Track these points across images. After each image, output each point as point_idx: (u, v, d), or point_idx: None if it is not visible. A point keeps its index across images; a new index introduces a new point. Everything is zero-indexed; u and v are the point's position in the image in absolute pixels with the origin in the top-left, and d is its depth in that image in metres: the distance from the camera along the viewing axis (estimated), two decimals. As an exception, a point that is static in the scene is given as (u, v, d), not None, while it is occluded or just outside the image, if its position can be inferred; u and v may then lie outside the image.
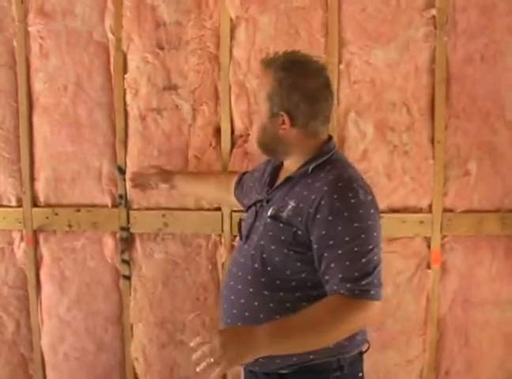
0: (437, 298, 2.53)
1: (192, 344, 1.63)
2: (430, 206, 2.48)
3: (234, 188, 2.26)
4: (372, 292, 1.65)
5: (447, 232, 2.49)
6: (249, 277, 1.82)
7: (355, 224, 1.68)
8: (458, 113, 2.45)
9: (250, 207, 1.98)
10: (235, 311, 1.84)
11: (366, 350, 1.89)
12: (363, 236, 1.68)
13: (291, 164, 1.88)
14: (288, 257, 1.76)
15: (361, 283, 1.64)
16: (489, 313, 2.56)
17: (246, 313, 1.80)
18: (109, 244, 2.57)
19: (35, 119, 2.54)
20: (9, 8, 2.50)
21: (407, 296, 2.52)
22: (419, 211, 2.47)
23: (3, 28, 2.52)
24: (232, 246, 2.51)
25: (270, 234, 1.80)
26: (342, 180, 1.75)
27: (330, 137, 1.90)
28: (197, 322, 2.57)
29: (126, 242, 2.55)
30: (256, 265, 1.81)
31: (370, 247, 1.68)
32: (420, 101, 2.44)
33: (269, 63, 1.82)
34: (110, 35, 2.48)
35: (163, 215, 2.52)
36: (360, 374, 1.87)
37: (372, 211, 1.74)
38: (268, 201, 1.88)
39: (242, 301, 1.82)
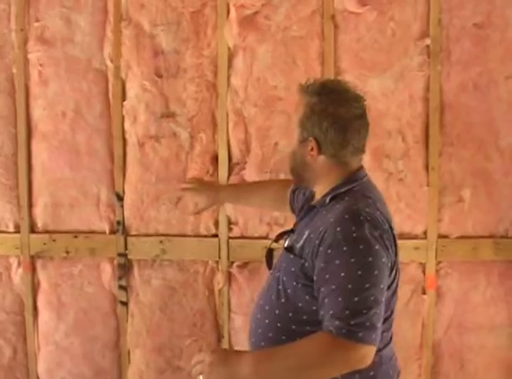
0: (432, 323, 2.50)
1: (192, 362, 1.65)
2: (425, 232, 2.47)
3: (289, 200, 2.15)
4: (360, 334, 1.51)
5: (442, 258, 2.48)
6: (266, 307, 1.76)
7: (352, 259, 1.56)
8: (452, 140, 2.44)
9: (280, 234, 1.92)
10: (253, 340, 1.80)
11: None
12: (359, 273, 1.55)
13: (318, 193, 1.80)
14: (297, 290, 1.69)
15: (350, 322, 1.52)
16: (484, 337, 2.53)
17: (262, 343, 1.75)
18: (106, 270, 2.54)
19: (34, 145, 2.52)
20: (8, 35, 2.49)
21: (403, 321, 2.48)
22: (415, 237, 2.46)
23: (3, 54, 2.50)
24: (229, 273, 2.49)
25: (284, 265, 1.74)
26: (350, 212, 1.63)
27: (361, 167, 1.78)
28: (195, 348, 2.53)
29: (124, 268, 2.51)
30: (273, 297, 1.75)
31: (367, 286, 1.55)
32: (415, 129, 2.43)
33: (305, 88, 1.74)
34: (109, 63, 2.47)
35: (161, 242, 2.49)
36: None
37: (377, 247, 1.59)
38: (293, 231, 1.83)
39: (260, 331, 1.77)
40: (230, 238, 2.49)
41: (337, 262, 1.57)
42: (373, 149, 2.41)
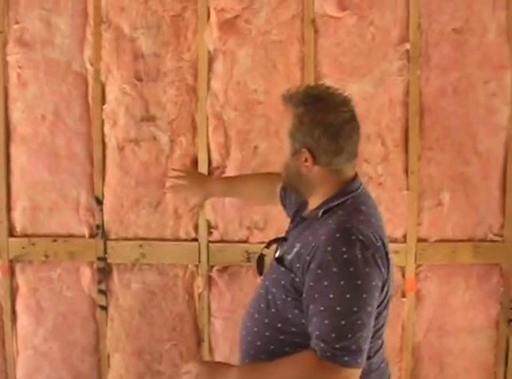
0: (412, 326, 2.51)
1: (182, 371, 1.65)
2: (404, 236, 2.47)
3: (280, 195, 2.10)
4: (346, 359, 1.50)
5: (421, 261, 2.48)
6: (256, 315, 1.74)
7: (342, 282, 1.53)
8: (431, 144, 2.45)
9: (273, 241, 1.89)
10: (243, 347, 1.78)
11: None
12: (347, 296, 1.52)
13: (311, 203, 1.75)
14: (287, 303, 1.66)
15: (335, 345, 1.50)
16: (463, 340, 2.54)
17: (251, 351, 1.74)
18: (86, 274, 2.51)
19: (13, 149, 2.49)
20: (-13, 37, 2.47)
21: (382, 324, 2.51)
22: (394, 241, 2.44)
23: (-19, 57, 2.48)
24: (209, 277, 2.48)
25: (274, 276, 1.71)
26: (341, 230, 1.58)
27: (355, 176, 1.74)
28: (174, 352, 2.52)
29: (103, 272, 2.49)
30: (262, 305, 1.72)
31: (355, 310, 1.51)
32: (394, 133, 2.44)
33: (289, 98, 1.68)
34: (88, 66, 2.45)
35: (141, 246, 2.47)
36: None
37: (367, 269, 1.54)
38: (285, 240, 1.79)
39: (249, 339, 1.75)
40: (210, 242, 2.47)
41: (326, 283, 1.54)
42: (352, 153, 2.41)
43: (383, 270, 1.60)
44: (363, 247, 1.56)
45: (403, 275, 2.49)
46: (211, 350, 2.53)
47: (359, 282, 1.53)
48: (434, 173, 2.46)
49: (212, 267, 2.48)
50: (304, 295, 1.60)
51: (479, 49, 2.42)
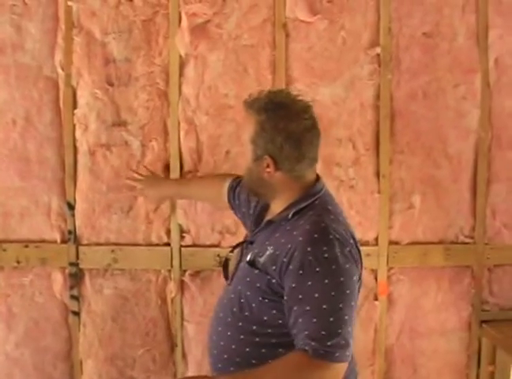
0: (384, 329, 2.51)
1: None
2: (376, 239, 2.48)
3: (228, 196, 2.15)
4: (337, 354, 1.53)
5: (393, 264, 2.49)
6: (228, 319, 1.74)
7: (326, 280, 1.56)
8: (402, 148, 2.46)
9: (236, 245, 1.90)
10: (215, 352, 1.78)
11: None
12: (332, 293, 1.56)
13: (275, 206, 1.78)
14: (263, 305, 1.67)
15: (327, 343, 1.52)
16: (436, 342, 2.56)
17: (225, 356, 1.73)
18: (58, 280, 2.48)
19: (-17, 154, 2.47)
20: (-43, 42, 2.44)
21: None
22: (366, 244, 2.45)
23: (-49, 62, 2.45)
24: (182, 282, 2.46)
25: (247, 279, 1.71)
26: (318, 231, 1.62)
27: (318, 178, 1.78)
28: (147, 357, 2.50)
29: (75, 277, 2.46)
30: (234, 309, 1.73)
31: (340, 306, 1.56)
32: (365, 137, 2.44)
33: (251, 105, 1.70)
34: (59, 71, 2.42)
35: (113, 251, 2.45)
36: None
37: (347, 266, 1.60)
38: (251, 243, 1.79)
39: (222, 343, 1.75)
40: (182, 246, 2.45)
41: (310, 283, 1.57)
42: (324, 157, 2.38)
43: (358, 266, 1.68)
44: (341, 245, 1.61)
45: (375, 278, 2.50)
46: (184, 355, 2.51)
47: (341, 279, 1.58)
48: (405, 176, 2.47)
49: (185, 271, 2.46)
50: (286, 297, 1.61)
51: (449, 53, 2.44)
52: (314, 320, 1.55)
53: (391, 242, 2.49)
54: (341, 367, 1.56)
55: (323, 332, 1.54)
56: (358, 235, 2.39)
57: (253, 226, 1.87)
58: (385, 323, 2.51)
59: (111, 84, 2.42)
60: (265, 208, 1.86)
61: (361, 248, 2.40)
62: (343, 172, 2.44)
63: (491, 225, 2.52)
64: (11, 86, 2.43)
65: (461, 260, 2.52)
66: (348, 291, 1.58)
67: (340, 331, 1.54)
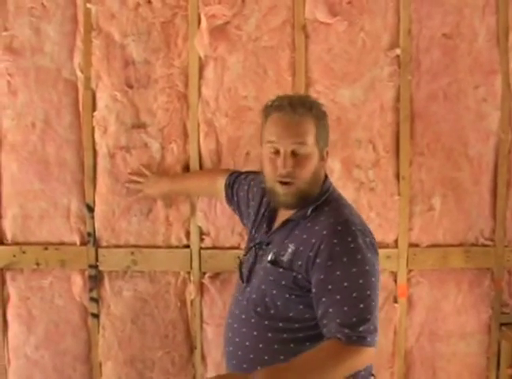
0: (404, 331, 2.47)
1: None
2: (396, 241, 2.44)
3: (225, 193, 2.19)
4: (368, 339, 1.62)
5: (413, 266, 2.45)
6: (252, 320, 1.77)
7: (354, 269, 1.65)
8: (422, 150, 2.42)
9: (249, 248, 1.91)
10: (240, 353, 1.79)
11: None
12: (360, 281, 1.64)
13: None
14: (290, 301, 1.72)
15: (358, 329, 1.60)
16: (455, 345, 2.52)
17: (251, 355, 1.76)
18: (77, 282, 2.45)
19: (3, 157, 2.43)
20: (-24, 44, 2.41)
21: (375, 330, 2.48)
22: (386, 246, 2.42)
23: (-29, 64, 2.42)
24: (201, 284, 2.43)
25: (271, 278, 1.75)
26: (341, 223, 1.70)
27: (326, 175, 1.86)
28: (167, 360, 2.47)
29: (95, 279, 2.44)
30: (259, 309, 1.76)
31: (368, 293, 1.64)
32: (385, 138, 2.40)
33: (302, 105, 1.76)
34: (79, 73, 2.39)
35: (132, 253, 2.42)
36: None
37: (369, 255, 1.69)
38: (268, 244, 1.82)
39: (247, 343, 1.77)
40: (201, 248, 2.42)
41: (338, 273, 1.65)
42: (343, 159, 2.38)
43: (378, 255, 1.76)
44: (363, 235, 1.71)
45: (395, 281, 2.46)
46: (203, 357, 2.48)
47: (367, 267, 1.66)
48: (425, 178, 2.43)
49: (204, 273, 2.43)
50: (314, 290, 1.68)
51: (469, 54, 2.40)
52: (345, 308, 1.62)
53: (411, 245, 2.45)
54: (372, 351, 1.65)
55: (354, 319, 1.61)
56: (378, 237, 2.37)
57: (263, 226, 1.89)
58: (405, 325, 2.47)
59: (131, 87, 2.38)
60: (275, 209, 1.88)
61: (380, 250, 2.42)
62: (363, 174, 2.41)
63: (512, 228, 2.48)
64: (30, 89, 2.41)
65: (481, 262, 2.48)
66: (373, 279, 1.67)
67: (369, 317, 1.63)
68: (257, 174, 2.11)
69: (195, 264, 2.42)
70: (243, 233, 2.38)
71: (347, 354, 1.60)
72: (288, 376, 1.60)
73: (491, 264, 2.48)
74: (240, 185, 2.12)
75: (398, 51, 2.37)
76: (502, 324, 2.51)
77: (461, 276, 2.49)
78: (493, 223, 2.47)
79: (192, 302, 2.45)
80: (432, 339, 2.51)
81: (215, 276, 2.44)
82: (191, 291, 2.44)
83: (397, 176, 2.42)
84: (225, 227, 2.42)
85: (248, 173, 2.18)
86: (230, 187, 2.15)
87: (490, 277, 2.50)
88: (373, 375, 1.85)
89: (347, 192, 2.37)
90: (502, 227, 2.47)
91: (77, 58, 2.39)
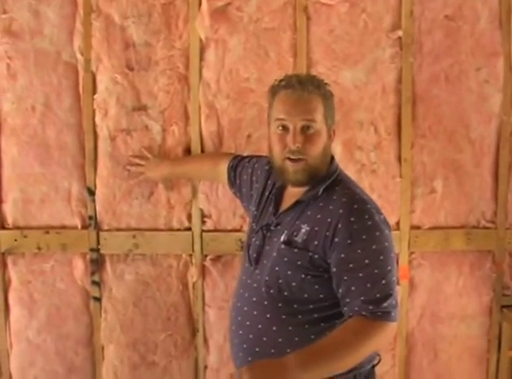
0: (405, 314, 2.45)
1: None
2: (397, 223, 2.42)
3: (228, 175, 2.15)
4: (392, 314, 1.63)
5: (415, 249, 2.43)
6: (265, 303, 1.74)
7: (374, 246, 1.65)
8: (424, 132, 2.40)
9: (256, 230, 1.87)
10: (251, 336, 1.76)
11: (377, 363, 1.83)
12: (381, 258, 1.64)
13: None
14: (305, 281, 1.70)
15: (383, 304, 1.61)
16: (456, 327, 2.50)
17: (264, 338, 1.73)
18: (79, 266, 2.42)
19: (3, 140, 2.39)
20: (-25, 28, 2.37)
21: (376, 312, 2.46)
22: (388, 228, 2.40)
23: (-30, 48, 2.38)
24: (203, 266, 2.41)
25: (285, 259, 1.72)
26: (356, 202, 1.70)
27: (332, 155, 1.84)
28: (169, 342, 2.45)
29: (96, 263, 2.41)
30: (272, 291, 1.73)
31: (389, 268, 1.65)
32: (387, 120, 2.38)
33: (309, 84, 1.73)
34: (79, 56, 2.35)
35: (134, 236, 2.39)
36: None
37: (387, 231, 1.69)
38: (276, 225, 1.79)
39: (260, 326, 1.74)
40: (203, 231, 2.40)
41: (359, 251, 1.64)
42: (345, 141, 2.35)
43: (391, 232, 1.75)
44: (377, 212, 1.71)
45: (396, 263, 2.43)
46: (205, 340, 2.46)
47: (386, 243, 1.67)
48: (427, 160, 2.41)
49: (206, 256, 2.41)
50: (335, 269, 1.66)
51: (471, 36, 2.37)
52: (368, 285, 1.62)
53: (412, 227, 2.43)
54: (395, 326, 1.65)
55: (378, 295, 1.61)
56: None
57: (270, 208, 1.85)
58: (406, 307, 2.45)
59: (131, 69, 2.35)
60: (281, 190, 1.85)
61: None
62: (365, 156, 2.38)
63: (513, 210, 2.46)
64: (30, 72, 2.37)
65: (482, 244, 2.46)
66: (392, 254, 1.68)
67: (391, 292, 1.63)
68: (259, 157, 2.10)
69: (197, 246, 2.40)
70: (245, 215, 2.35)
71: (373, 331, 1.60)
72: (319, 356, 1.58)
73: (493, 247, 2.46)
74: (244, 169, 2.09)
75: (400, 33, 2.33)
76: (503, 307, 2.49)
77: (463, 259, 2.47)
78: (494, 205, 2.45)
79: (194, 284, 2.43)
80: (433, 321, 2.50)
81: (217, 259, 2.42)
82: (193, 274, 2.42)
83: (399, 158, 2.39)
84: (227, 209, 2.40)
85: (251, 157, 2.15)
86: (233, 170, 2.13)
87: (491, 259, 2.48)
88: (378, 355, 1.83)
89: (348, 174, 2.36)
90: (503, 210, 2.45)
91: (77, 41, 2.35)
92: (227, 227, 2.41)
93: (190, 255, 2.42)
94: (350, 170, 2.33)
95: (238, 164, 2.13)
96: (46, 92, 2.38)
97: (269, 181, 1.92)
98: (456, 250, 2.45)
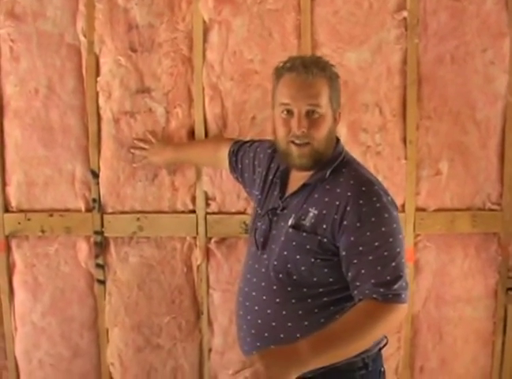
0: (411, 296, 2.42)
1: (230, 373, 1.58)
2: (403, 205, 2.38)
3: (229, 160, 2.13)
4: (403, 296, 1.62)
5: (420, 231, 2.40)
6: (274, 287, 1.72)
7: (383, 228, 1.63)
8: (429, 113, 2.36)
9: (262, 214, 1.84)
10: (260, 321, 1.74)
11: (384, 345, 1.83)
12: (390, 240, 1.63)
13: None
14: (315, 265, 1.68)
15: (393, 287, 1.60)
16: (462, 310, 2.48)
17: (274, 323, 1.72)
18: (83, 248, 2.41)
19: (6, 123, 2.38)
20: (-22, 11, 2.34)
21: (381, 295, 2.44)
22: (393, 210, 2.38)
23: (-28, 31, 2.36)
24: (207, 249, 2.39)
25: (294, 243, 1.70)
26: (364, 184, 1.69)
27: (337, 137, 1.82)
28: (174, 325, 2.44)
29: (100, 246, 2.39)
30: (281, 275, 1.71)
31: (398, 250, 1.64)
32: (392, 102, 2.34)
33: (315, 65, 1.70)
34: (82, 38, 2.32)
35: (138, 219, 2.37)
36: (382, 369, 1.83)
37: (395, 213, 1.68)
38: (283, 209, 1.77)
39: (269, 311, 1.72)
40: (207, 213, 2.38)
41: (368, 234, 1.63)
42: (350, 122, 2.32)
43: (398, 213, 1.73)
44: (385, 194, 1.69)
45: (403, 245, 2.42)
46: (210, 323, 2.45)
47: (394, 225, 1.65)
48: (432, 142, 2.38)
49: (210, 239, 2.39)
50: (344, 252, 1.64)
51: (477, 16, 2.32)
52: (379, 268, 1.61)
53: (418, 209, 2.40)
54: (406, 307, 1.65)
55: (388, 278, 1.60)
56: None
57: (275, 192, 1.82)
58: (412, 290, 2.42)
59: (134, 51, 2.32)
60: (286, 173, 1.82)
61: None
62: (369, 138, 2.35)
63: (519, 192, 2.43)
64: (33, 54, 2.35)
65: (488, 227, 2.42)
66: (400, 236, 1.67)
67: (401, 274, 1.62)
68: (261, 141, 2.08)
69: (201, 229, 2.38)
70: (249, 198, 2.34)
71: (385, 313, 1.59)
72: (331, 341, 1.56)
73: (498, 229, 2.43)
74: (245, 153, 2.07)
75: (405, 14, 2.29)
76: (508, 289, 2.46)
77: (468, 241, 2.45)
78: (500, 187, 2.42)
79: (198, 267, 2.41)
80: (439, 303, 2.47)
81: (221, 241, 2.40)
82: (197, 257, 2.40)
83: (404, 140, 2.36)
84: (231, 191, 2.37)
85: (252, 141, 2.13)
86: (234, 154, 2.10)
87: (497, 242, 2.45)
88: (386, 337, 1.82)
89: (353, 156, 2.34)
90: (509, 192, 2.41)
91: (80, 23, 2.33)
92: (232, 210, 2.39)
93: (195, 237, 2.40)
94: (355, 152, 2.28)
95: (239, 149, 2.10)
96: (49, 75, 2.35)
97: (273, 165, 1.90)
98: (461, 232, 2.42)
